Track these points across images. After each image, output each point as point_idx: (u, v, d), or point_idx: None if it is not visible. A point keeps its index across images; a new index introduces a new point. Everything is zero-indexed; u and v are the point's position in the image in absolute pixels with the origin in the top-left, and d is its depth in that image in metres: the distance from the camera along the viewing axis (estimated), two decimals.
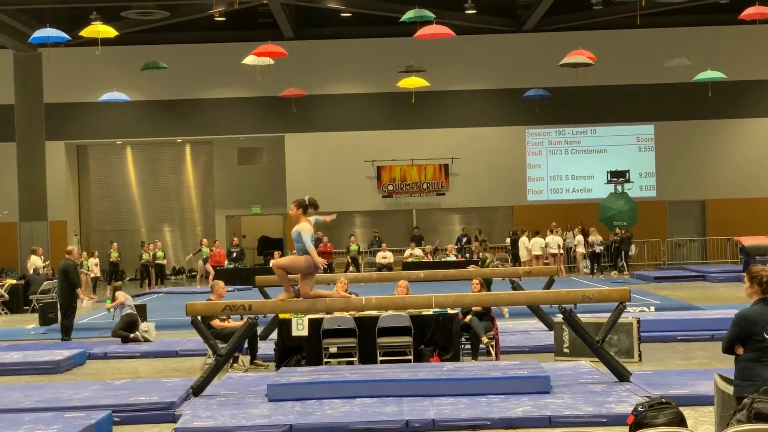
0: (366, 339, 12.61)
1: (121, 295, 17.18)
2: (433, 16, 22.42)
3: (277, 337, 13.24)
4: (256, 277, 16.77)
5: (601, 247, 30.17)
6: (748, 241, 25.66)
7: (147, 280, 29.69)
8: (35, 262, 24.50)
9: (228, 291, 17.79)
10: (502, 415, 9.32)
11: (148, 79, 30.12)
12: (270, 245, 32.84)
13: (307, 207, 10.90)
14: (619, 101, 33.39)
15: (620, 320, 11.82)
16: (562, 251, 30.25)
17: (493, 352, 13.07)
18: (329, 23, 33.47)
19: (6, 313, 22.95)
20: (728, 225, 32.35)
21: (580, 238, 30.25)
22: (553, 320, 13.70)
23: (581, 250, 30.05)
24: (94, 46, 24.14)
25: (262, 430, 9.17)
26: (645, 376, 11.23)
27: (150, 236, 34.46)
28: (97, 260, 28.45)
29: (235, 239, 30.61)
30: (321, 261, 10.92)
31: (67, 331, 17.05)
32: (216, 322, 13.28)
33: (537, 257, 29.77)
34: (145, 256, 29.89)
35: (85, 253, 28.59)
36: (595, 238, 30.32)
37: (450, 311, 12.76)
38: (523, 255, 30.04)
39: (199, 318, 11.35)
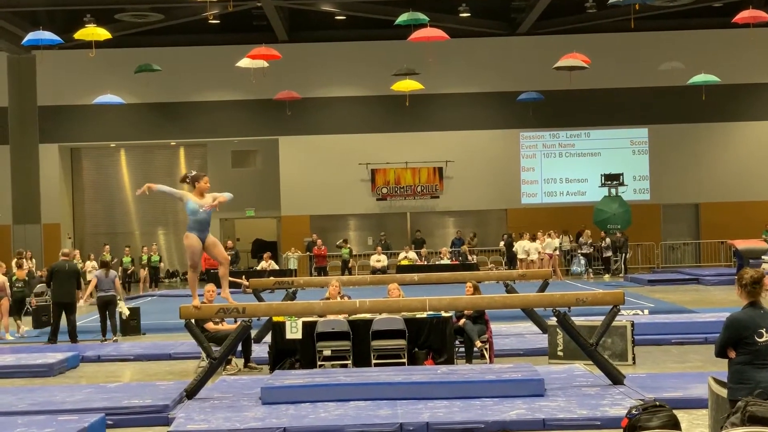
0: (360, 342, 12.59)
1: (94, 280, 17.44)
2: (427, 19, 22.41)
3: (270, 340, 13.22)
4: (250, 279, 16.77)
5: (591, 249, 30.42)
6: (741, 244, 25.68)
7: (129, 283, 29.59)
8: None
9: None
10: (496, 418, 9.31)
11: (141, 82, 30.07)
12: (264, 248, 32.79)
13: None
14: (613, 104, 33.42)
15: (614, 323, 11.83)
16: (557, 253, 30.28)
17: (487, 355, 13.06)
18: (323, 26, 33.48)
19: None
20: (722, 228, 32.38)
21: (556, 242, 30.26)
22: (548, 323, 13.70)
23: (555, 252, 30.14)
24: (88, 48, 24.11)
25: None
26: (639, 379, 11.23)
27: (144, 239, 34.42)
28: (94, 263, 28.39)
29: (230, 242, 30.56)
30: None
31: (74, 333, 17.01)
32: (210, 325, 13.26)
33: (524, 260, 29.77)
34: (126, 261, 29.72)
35: (77, 254, 28.59)
36: (584, 240, 30.59)
37: (444, 314, 12.75)
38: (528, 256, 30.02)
39: (192, 321, 11.34)
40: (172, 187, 11.15)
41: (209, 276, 26.24)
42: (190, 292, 11.39)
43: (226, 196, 10.95)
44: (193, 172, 11.12)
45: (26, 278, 20.38)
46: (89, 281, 27.70)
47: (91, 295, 18.23)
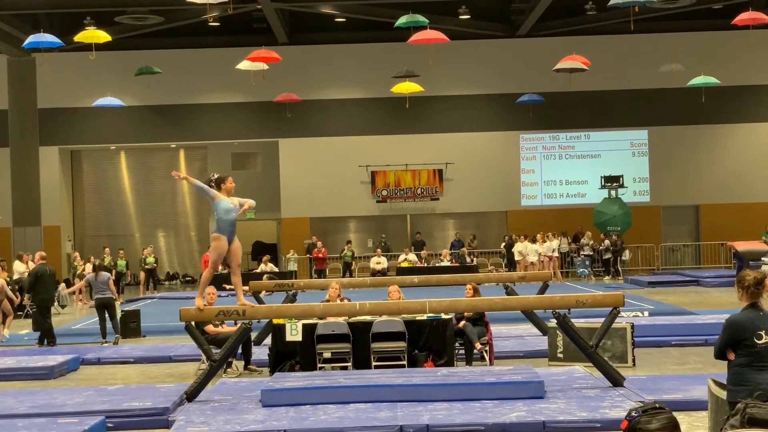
0: (360, 344, 12.60)
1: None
2: (427, 21, 22.42)
3: (270, 343, 13.23)
4: (249, 282, 16.77)
5: (591, 251, 30.48)
6: (741, 245, 25.66)
7: (122, 286, 29.57)
8: (17, 268, 24.44)
9: (222, 296, 17.77)
10: (496, 420, 9.32)
11: (142, 85, 30.09)
12: (264, 250, 32.80)
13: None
14: (613, 106, 33.43)
15: (614, 325, 11.83)
16: (557, 255, 30.30)
17: (487, 357, 13.06)
18: (323, 28, 33.50)
19: None
20: (722, 230, 32.38)
21: (555, 243, 30.29)
22: (547, 325, 13.70)
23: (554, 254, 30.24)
24: (88, 51, 24.13)
25: None
26: (639, 380, 11.23)
27: (144, 242, 34.41)
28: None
29: None
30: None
31: (52, 334, 17.10)
32: (210, 328, 13.27)
33: (520, 261, 29.81)
34: (120, 263, 29.66)
35: (78, 256, 28.61)
36: (586, 241, 30.62)
37: (444, 316, 12.76)
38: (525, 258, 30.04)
39: (192, 323, 11.34)
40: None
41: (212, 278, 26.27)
42: (189, 294, 11.39)
43: (252, 202, 11.02)
44: (216, 175, 11.14)
45: (6, 280, 20.40)
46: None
47: (91, 297, 18.26)
